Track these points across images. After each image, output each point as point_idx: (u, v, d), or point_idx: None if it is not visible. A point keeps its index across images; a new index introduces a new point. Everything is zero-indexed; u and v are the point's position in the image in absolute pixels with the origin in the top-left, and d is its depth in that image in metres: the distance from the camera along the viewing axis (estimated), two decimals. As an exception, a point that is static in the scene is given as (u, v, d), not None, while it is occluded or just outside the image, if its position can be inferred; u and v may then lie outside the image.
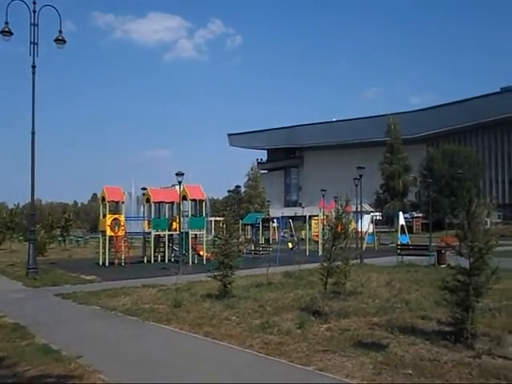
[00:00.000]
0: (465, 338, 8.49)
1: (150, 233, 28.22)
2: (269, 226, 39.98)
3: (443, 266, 20.53)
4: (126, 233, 27.64)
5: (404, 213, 52.01)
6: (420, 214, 69.44)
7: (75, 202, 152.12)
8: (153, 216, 29.18)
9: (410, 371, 7.25)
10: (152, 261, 27.34)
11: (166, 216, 30.20)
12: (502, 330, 9.39)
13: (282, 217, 43.05)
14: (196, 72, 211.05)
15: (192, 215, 28.22)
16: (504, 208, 76.95)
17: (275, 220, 41.72)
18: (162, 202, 30.04)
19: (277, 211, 72.24)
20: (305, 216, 42.17)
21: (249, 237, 39.05)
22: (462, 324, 8.58)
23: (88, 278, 20.36)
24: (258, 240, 37.36)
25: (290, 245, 33.79)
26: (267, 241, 37.77)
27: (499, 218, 71.76)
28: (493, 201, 69.89)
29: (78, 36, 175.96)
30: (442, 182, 66.66)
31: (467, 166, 65.51)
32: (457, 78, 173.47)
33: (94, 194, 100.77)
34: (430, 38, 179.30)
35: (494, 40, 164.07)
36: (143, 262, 27.68)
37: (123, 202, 28.18)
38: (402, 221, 42.64)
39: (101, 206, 27.98)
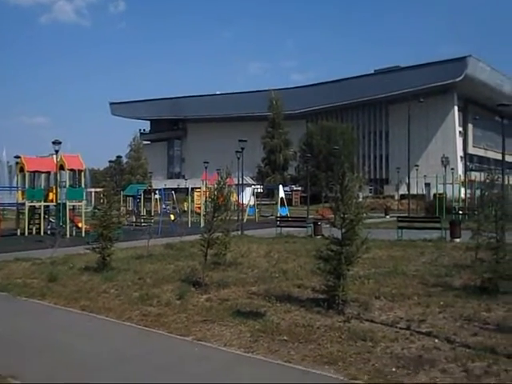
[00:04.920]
0: (336, 304, 9.00)
1: (23, 204, 26.69)
2: (151, 198, 39.44)
3: (319, 236, 21.53)
4: (-4, 204, 25.96)
5: (284, 186, 53.65)
6: (299, 188, 71.82)
7: None
8: (27, 186, 27.60)
9: (286, 337, 7.58)
10: (26, 233, 25.94)
11: (42, 186, 28.73)
12: (369, 295, 10.07)
13: (165, 188, 42.58)
14: (76, 36, 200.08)
15: (70, 186, 27.08)
16: (375, 182, 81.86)
17: (157, 192, 41.17)
18: (38, 172, 28.54)
19: (159, 183, 71.26)
20: (187, 188, 42.09)
21: (130, 208, 38.32)
22: (334, 291, 9.07)
23: (-48, 252, 18.90)
24: (140, 212, 36.77)
25: (172, 217, 33.54)
26: (149, 213, 37.30)
27: (370, 192, 76.29)
28: (365, 175, 74.29)
29: None
30: (319, 157, 69.25)
31: (342, 142, 68.54)
32: (336, 58, 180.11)
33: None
34: (314, 18, 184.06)
35: (363, 25, 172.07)
36: (16, 234, 26.18)
37: (-7, 171, 26.40)
38: (281, 194, 43.96)
39: (-33, 175, 26.02)
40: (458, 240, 19.85)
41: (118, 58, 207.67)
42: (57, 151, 24.55)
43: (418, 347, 7.05)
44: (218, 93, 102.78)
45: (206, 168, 39.84)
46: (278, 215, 35.61)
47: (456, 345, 7.08)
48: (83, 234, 24.20)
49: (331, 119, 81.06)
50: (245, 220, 32.66)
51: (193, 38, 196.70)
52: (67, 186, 26.95)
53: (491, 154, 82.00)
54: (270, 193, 57.36)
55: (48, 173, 28.71)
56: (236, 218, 25.55)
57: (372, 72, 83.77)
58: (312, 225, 24.10)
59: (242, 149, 28.63)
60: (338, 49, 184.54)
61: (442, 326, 8.05)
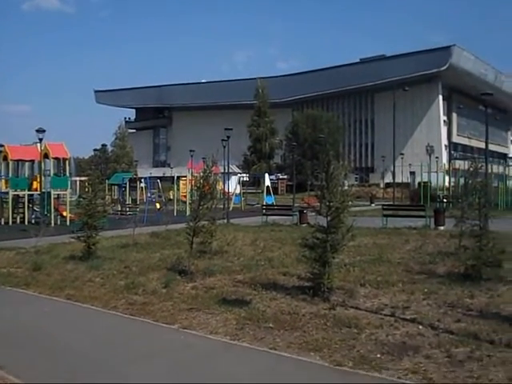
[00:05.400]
0: (322, 292, 9.05)
1: (7, 193, 26.42)
2: (136, 187, 39.27)
3: (305, 225, 21.58)
4: (-22, 193, 25.67)
5: (270, 174, 53.72)
6: (285, 176, 71.83)
7: None
8: (11, 175, 27.31)
9: (271, 325, 7.61)
10: (10, 222, 25.73)
11: (26, 175, 28.45)
12: (354, 283, 10.14)
13: (150, 177, 42.48)
14: (60, 24, 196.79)
15: (54, 174, 26.85)
16: (361, 171, 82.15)
17: (143, 180, 41.03)
18: (21, 160, 28.23)
19: (145, 171, 71.00)
20: (173, 176, 41.95)
21: (115, 197, 38.11)
22: (320, 279, 9.12)
23: None
24: (125, 200, 36.60)
25: (158, 205, 33.45)
26: (134, 201, 37.15)
27: (356, 181, 76.61)
28: (350, 164, 74.51)
29: None
30: (305, 146, 69.23)
31: (328, 131, 68.59)
32: (322, 46, 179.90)
33: None
34: (301, 6, 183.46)
35: (353, 15, 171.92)
36: (0, 223, 25.94)
37: (-25, 160, 26.07)
38: (267, 182, 44.00)
39: (-51, 164, 25.65)
40: (442, 228, 20.02)
41: (102, 45, 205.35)
42: (41, 139, 24.33)
43: (402, 334, 7.13)
44: (203, 81, 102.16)
45: (191, 156, 39.80)
46: (264, 203, 35.63)
47: (440, 331, 7.17)
48: (68, 223, 24.05)
49: (317, 108, 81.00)
50: (231, 208, 32.65)
51: (178, 26, 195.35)
52: (51, 174, 26.74)
53: (475, 143, 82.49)
54: (255, 181, 57.32)
55: (32, 161, 28.44)
56: (222, 206, 25.58)
57: (358, 61, 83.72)
58: (298, 213, 24.14)
59: (228, 137, 28.59)
60: (323, 37, 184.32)
61: (425, 312, 8.14)
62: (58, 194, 27.47)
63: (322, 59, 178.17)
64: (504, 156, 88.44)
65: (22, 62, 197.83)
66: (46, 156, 26.37)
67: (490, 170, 26.67)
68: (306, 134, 70.46)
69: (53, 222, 25.11)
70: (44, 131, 24.07)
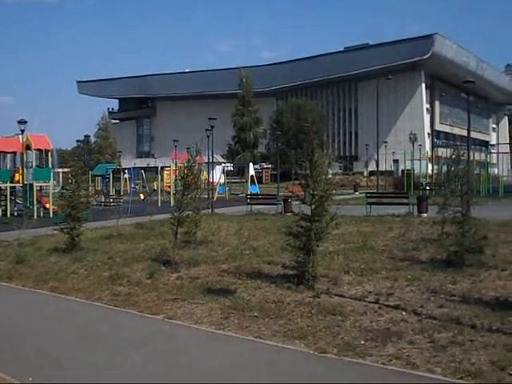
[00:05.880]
0: (306, 280, 9.07)
1: (-11, 185, 26.13)
2: (120, 177, 39.04)
3: (289, 213, 21.62)
4: (-41, 185, 25.32)
5: (254, 164, 53.63)
6: (269, 165, 71.85)
7: None
8: (-9, 167, 26.99)
9: (256, 313, 7.63)
10: (-8, 215, 25.44)
11: (8, 167, 28.13)
12: (338, 271, 10.18)
13: (134, 168, 42.22)
14: (43, 14, 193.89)
15: (37, 166, 26.58)
16: (345, 159, 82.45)
17: (126, 171, 40.77)
18: (3, 152, 27.88)
19: (128, 162, 70.46)
20: (157, 167, 41.79)
21: (99, 188, 37.90)
22: (304, 267, 9.14)
23: None
24: (109, 191, 36.39)
25: (142, 196, 33.30)
26: (118, 192, 36.93)
27: (340, 169, 76.91)
28: (334, 152, 74.77)
29: None
30: (289, 135, 69.25)
31: (312, 120, 68.61)
32: (306, 35, 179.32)
33: None
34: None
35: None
36: (-18, 216, 25.66)
37: (-45, 152, 25.68)
38: (252, 171, 43.94)
39: None
40: (425, 215, 20.16)
41: (85, 35, 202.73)
42: (22, 131, 24.03)
43: (386, 320, 7.18)
44: (187, 70, 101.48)
45: (175, 146, 39.63)
46: (249, 193, 35.62)
47: (423, 317, 7.23)
48: (51, 215, 23.84)
49: (301, 97, 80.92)
50: (215, 198, 32.59)
51: (163, 15, 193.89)
52: (34, 166, 26.47)
53: (457, 131, 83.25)
54: (240, 171, 57.35)
55: (14, 153, 28.10)
56: (206, 196, 25.52)
57: (341, 49, 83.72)
58: (282, 202, 24.18)
59: (212, 127, 28.50)
60: (307, 26, 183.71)
61: (409, 298, 8.21)
62: (41, 186, 27.23)
63: (307, 48, 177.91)
64: (486, 143, 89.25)
65: (3, 53, 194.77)
66: (28, 148, 26.06)
67: (472, 158, 26.93)
68: (290, 123, 70.47)
69: (35, 214, 24.89)
70: (26, 122, 23.76)
